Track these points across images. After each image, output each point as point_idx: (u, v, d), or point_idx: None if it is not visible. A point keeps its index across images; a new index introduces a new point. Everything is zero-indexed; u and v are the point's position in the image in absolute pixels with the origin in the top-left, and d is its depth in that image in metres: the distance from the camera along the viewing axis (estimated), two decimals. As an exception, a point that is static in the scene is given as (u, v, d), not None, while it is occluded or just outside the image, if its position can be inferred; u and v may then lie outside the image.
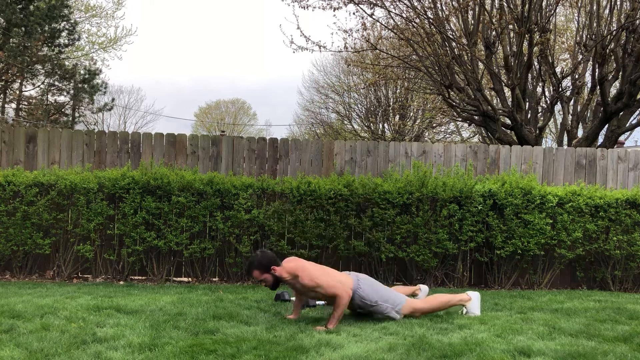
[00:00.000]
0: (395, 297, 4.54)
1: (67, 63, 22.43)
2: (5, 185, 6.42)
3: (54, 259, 6.59)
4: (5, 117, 21.90)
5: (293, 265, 4.39)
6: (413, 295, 4.99)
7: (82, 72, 22.76)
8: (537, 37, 10.28)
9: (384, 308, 4.46)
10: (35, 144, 7.16)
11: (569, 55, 13.62)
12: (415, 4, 10.57)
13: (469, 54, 10.16)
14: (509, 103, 10.82)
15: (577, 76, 11.72)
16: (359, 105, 24.82)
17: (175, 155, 7.28)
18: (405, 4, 10.80)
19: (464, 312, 4.76)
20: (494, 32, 10.41)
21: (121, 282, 6.51)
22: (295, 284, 4.37)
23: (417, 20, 10.52)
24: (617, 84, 10.82)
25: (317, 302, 5.10)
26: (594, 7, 10.25)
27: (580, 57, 11.13)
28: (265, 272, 4.34)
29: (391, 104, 23.13)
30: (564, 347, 3.71)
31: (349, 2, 10.60)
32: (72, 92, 22.86)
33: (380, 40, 13.20)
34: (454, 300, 4.74)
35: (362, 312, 4.60)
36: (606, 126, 10.84)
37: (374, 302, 4.45)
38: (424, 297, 4.94)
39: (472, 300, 4.78)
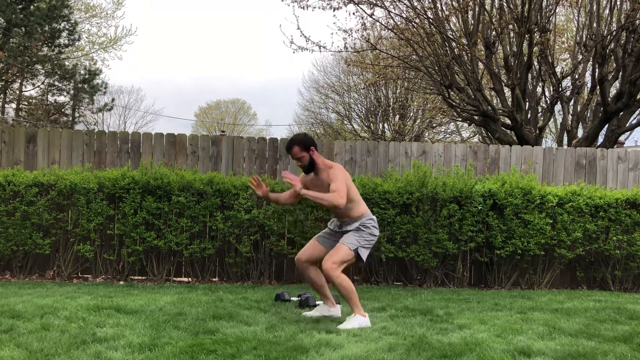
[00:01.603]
0: (366, 253, 4.51)
1: (67, 63, 22.44)
2: (5, 185, 6.42)
3: (54, 259, 6.59)
4: (5, 117, 21.91)
5: (333, 162, 4.62)
6: (326, 304, 4.70)
7: (82, 72, 22.77)
8: (537, 37, 10.28)
9: (360, 239, 4.45)
10: (35, 144, 7.16)
11: (569, 55, 13.62)
12: (415, 4, 10.57)
13: (469, 54, 10.16)
14: (509, 103, 10.82)
15: (577, 76, 11.72)
16: (359, 105, 24.82)
17: (176, 155, 7.28)
18: (405, 4, 10.80)
19: (346, 320, 4.34)
20: (494, 32, 10.41)
21: (121, 282, 6.51)
22: (322, 173, 4.49)
23: (417, 20, 10.52)
24: (617, 84, 10.81)
25: (317, 302, 5.10)
26: (594, 7, 10.24)
27: (580, 57, 11.13)
28: (304, 151, 4.47)
29: (391, 104, 23.13)
30: (564, 347, 3.71)
31: (349, 2, 10.60)
32: (72, 92, 22.87)
33: (380, 40, 13.20)
34: (354, 298, 4.38)
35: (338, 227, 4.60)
36: (606, 126, 10.84)
37: (366, 228, 4.48)
38: (323, 311, 4.68)
39: (365, 320, 4.34)
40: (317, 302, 5.12)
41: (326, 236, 4.68)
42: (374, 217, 4.63)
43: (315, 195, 4.36)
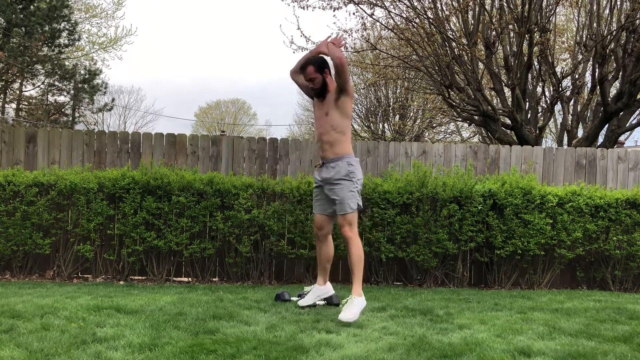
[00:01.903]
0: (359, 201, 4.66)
1: (67, 63, 22.46)
2: (5, 185, 6.42)
3: (54, 259, 6.59)
4: (5, 117, 21.91)
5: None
6: (317, 282, 4.92)
7: (82, 72, 22.79)
8: (537, 37, 10.29)
9: (352, 193, 4.57)
10: (35, 144, 7.16)
11: (569, 55, 13.62)
12: (415, 4, 10.58)
13: (469, 54, 10.16)
14: (509, 103, 10.83)
15: (577, 76, 11.73)
16: (359, 105, 24.81)
17: (175, 155, 7.28)
18: (405, 4, 10.81)
19: (343, 301, 4.46)
20: (494, 32, 10.41)
21: (121, 282, 6.51)
22: (329, 97, 4.59)
23: (417, 20, 10.52)
24: (617, 84, 10.81)
25: (318, 302, 5.10)
26: (594, 7, 10.25)
27: (580, 57, 11.14)
28: (318, 72, 4.56)
29: (391, 104, 23.14)
30: (564, 347, 3.71)
31: (349, 2, 10.61)
32: (72, 92, 22.88)
33: (380, 40, 13.21)
34: (360, 273, 4.53)
35: (325, 184, 4.67)
36: (606, 126, 10.85)
37: (353, 177, 4.59)
38: (327, 292, 4.90)
39: (362, 301, 4.42)
40: (318, 302, 5.13)
41: (320, 200, 4.79)
42: (356, 158, 4.75)
43: (338, 54, 4.46)
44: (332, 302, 5.05)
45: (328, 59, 4.67)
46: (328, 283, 5.01)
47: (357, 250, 4.54)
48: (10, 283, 6.18)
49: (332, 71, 4.65)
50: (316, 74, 4.57)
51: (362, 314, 4.72)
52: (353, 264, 4.54)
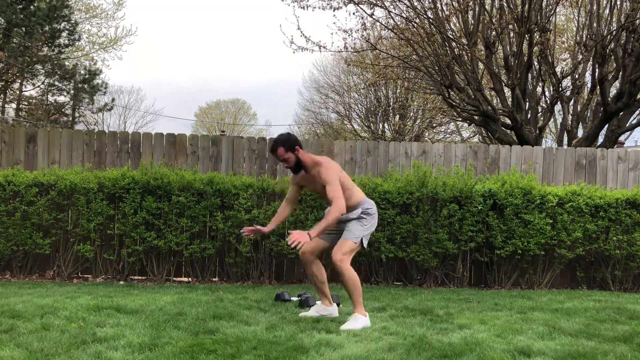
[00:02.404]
0: (368, 237, 4.55)
1: (67, 63, 22.46)
2: (5, 185, 6.42)
3: (54, 259, 6.59)
4: (5, 117, 21.91)
5: (319, 157, 4.51)
6: (323, 303, 4.73)
7: (82, 72, 22.78)
8: (537, 37, 10.28)
9: (361, 229, 4.45)
10: (35, 144, 7.16)
11: (569, 55, 13.62)
12: (415, 4, 10.58)
13: (469, 54, 10.16)
14: (509, 103, 10.82)
15: (577, 76, 11.73)
16: (359, 105, 24.84)
17: (176, 155, 7.28)
18: (405, 4, 10.81)
19: (349, 319, 4.36)
20: (494, 32, 10.41)
21: (121, 282, 6.51)
22: (312, 171, 4.42)
23: (417, 20, 10.52)
24: (617, 84, 10.81)
25: (317, 302, 5.10)
26: (594, 7, 10.25)
27: (580, 57, 11.13)
28: (289, 151, 4.38)
29: (391, 104, 23.14)
30: (564, 347, 3.71)
31: (349, 2, 10.60)
32: (72, 92, 22.88)
33: (380, 40, 13.20)
34: (359, 297, 4.39)
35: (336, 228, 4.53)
36: (606, 126, 10.84)
37: (365, 220, 4.47)
38: (328, 310, 4.71)
39: (366, 320, 4.35)
40: (317, 302, 5.12)
41: (333, 234, 4.64)
42: (371, 201, 4.65)
43: (325, 225, 4.20)
44: (309, 304, 5.03)
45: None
46: (334, 305, 4.76)
47: (352, 276, 4.36)
48: (10, 283, 6.18)
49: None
50: (287, 154, 4.37)
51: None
52: (350, 292, 4.39)
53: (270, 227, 4.71)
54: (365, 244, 4.53)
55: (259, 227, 4.65)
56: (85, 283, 6.38)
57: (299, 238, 4.02)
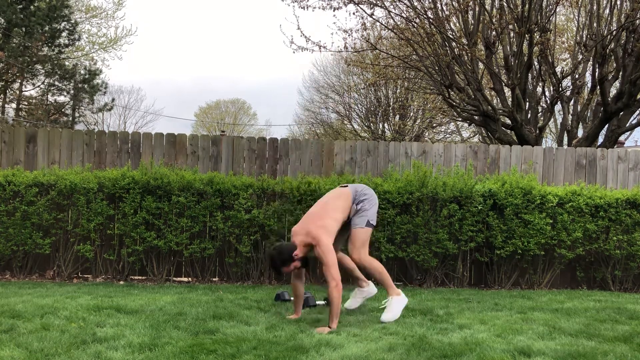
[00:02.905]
0: (373, 216, 4.66)
1: (67, 63, 22.45)
2: (5, 185, 6.42)
3: (54, 259, 6.59)
4: (5, 117, 21.91)
5: (303, 238, 4.44)
6: (359, 285, 4.99)
7: (82, 72, 22.78)
8: (537, 37, 10.28)
9: (362, 220, 4.59)
10: (35, 144, 7.16)
11: (569, 55, 13.62)
12: (415, 4, 10.57)
13: (469, 54, 10.16)
14: (509, 103, 10.82)
15: (577, 76, 11.72)
16: (359, 105, 24.83)
17: (176, 155, 7.28)
18: (405, 4, 10.80)
19: (384, 303, 4.69)
20: (494, 32, 10.41)
21: (121, 282, 6.51)
22: (312, 252, 4.46)
23: (417, 20, 10.52)
24: (617, 84, 10.81)
25: (318, 302, 5.11)
26: (594, 7, 10.25)
27: (580, 57, 11.13)
28: (291, 263, 4.41)
29: (391, 104, 23.14)
30: (564, 347, 3.71)
31: (349, 2, 10.60)
32: (72, 92, 22.88)
33: (380, 40, 13.20)
34: (388, 280, 4.67)
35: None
36: (606, 126, 10.84)
37: (361, 208, 4.60)
38: (366, 295, 4.99)
39: (401, 298, 4.67)
40: (318, 302, 5.13)
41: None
42: (362, 185, 4.79)
43: (336, 310, 4.25)
44: (309, 304, 5.05)
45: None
46: (369, 283, 5.05)
47: (375, 266, 4.66)
48: (10, 283, 6.18)
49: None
50: (291, 266, 4.42)
51: (364, 314, 4.74)
52: (379, 279, 4.68)
53: (299, 313, 4.68)
54: (373, 222, 4.67)
55: (293, 317, 4.61)
56: (85, 283, 6.38)
57: (322, 332, 4.10)
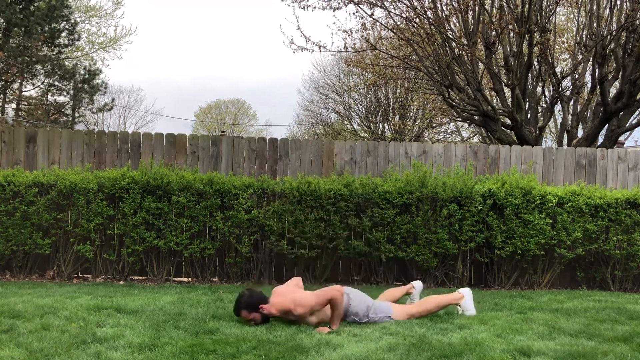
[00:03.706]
0: (386, 308, 4.55)
1: (67, 63, 22.45)
2: (5, 185, 6.42)
3: (54, 259, 6.59)
4: (5, 117, 21.90)
5: (281, 300, 4.24)
6: (408, 293, 5.01)
7: (82, 72, 22.78)
8: (537, 37, 10.28)
9: (377, 319, 4.45)
10: (35, 144, 7.16)
11: (569, 55, 13.62)
12: (415, 4, 10.57)
13: (469, 54, 10.16)
14: (509, 103, 10.82)
15: (577, 76, 11.73)
16: (359, 105, 24.83)
17: (175, 155, 7.28)
18: (405, 4, 10.80)
19: (459, 311, 4.78)
20: (494, 32, 10.41)
21: (121, 282, 6.51)
22: (289, 316, 4.23)
23: (417, 21, 10.52)
24: (617, 84, 10.81)
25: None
26: (594, 7, 10.25)
27: (580, 57, 11.14)
28: (253, 312, 4.22)
29: (391, 104, 23.14)
30: (564, 347, 3.71)
31: (349, 2, 10.61)
32: (72, 92, 22.87)
33: (380, 40, 13.20)
34: (447, 300, 4.76)
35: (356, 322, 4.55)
36: (606, 126, 10.84)
37: (367, 318, 4.43)
38: (419, 292, 5.02)
39: (465, 297, 4.81)
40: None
41: None
42: (351, 296, 4.45)
43: (337, 315, 4.19)
44: None
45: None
46: (412, 283, 5.10)
47: (428, 308, 4.69)
48: (10, 283, 6.18)
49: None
50: (252, 315, 4.21)
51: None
52: (440, 307, 4.75)
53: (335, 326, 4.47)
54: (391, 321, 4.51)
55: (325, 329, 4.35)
56: (85, 283, 6.38)
57: (323, 331, 4.06)
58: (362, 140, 18.47)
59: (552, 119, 16.33)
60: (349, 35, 11.91)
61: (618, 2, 10.11)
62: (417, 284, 5.06)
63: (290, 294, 4.32)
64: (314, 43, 10.89)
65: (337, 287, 4.29)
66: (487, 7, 10.42)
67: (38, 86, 22.61)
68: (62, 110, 23.74)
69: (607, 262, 6.83)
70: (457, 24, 11.37)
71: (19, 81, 21.78)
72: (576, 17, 12.10)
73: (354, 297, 4.46)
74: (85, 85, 22.69)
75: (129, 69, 53.62)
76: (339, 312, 4.21)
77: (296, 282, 4.61)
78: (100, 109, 25.27)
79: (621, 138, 15.55)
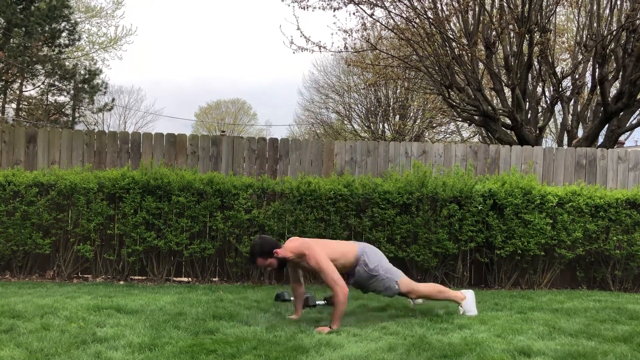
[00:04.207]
0: (395, 271, 4.61)
1: (67, 63, 22.45)
2: (5, 185, 6.42)
3: (54, 259, 6.59)
4: (5, 117, 21.90)
5: (298, 244, 4.37)
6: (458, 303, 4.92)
7: (82, 72, 22.77)
8: (537, 37, 10.28)
9: (385, 280, 4.48)
10: (35, 144, 7.16)
11: (569, 55, 13.62)
12: (415, 4, 10.57)
13: (469, 54, 10.16)
14: (509, 103, 10.82)
15: (577, 76, 11.72)
16: (359, 105, 24.82)
17: (176, 155, 7.28)
18: (405, 4, 10.80)
19: (461, 311, 4.78)
20: (494, 32, 10.41)
21: (121, 282, 6.51)
22: (301, 262, 4.35)
23: (417, 21, 10.52)
24: (617, 84, 10.81)
25: (318, 302, 5.10)
26: (594, 7, 10.25)
27: (580, 57, 11.14)
28: (268, 258, 4.31)
29: (391, 104, 23.14)
30: (564, 347, 3.71)
31: (349, 2, 10.61)
32: (72, 92, 22.87)
33: (380, 41, 13.20)
34: (449, 295, 4.78)
35: (361, 287, 4.60)
36: (606, 126, 10.84)
37: (376, 272, 4.45)
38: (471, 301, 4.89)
39: (467, 299, 4.81)
40: (318, 302, 5.12)
41: None
42: (363, 249, 4.57)
43: (338, 314, 4.21)
44: (309, 304, 5.05)
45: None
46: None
47: (424, 291, 4.70)
48: (10, 283, 6.18)
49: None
50: (268, 261, 4.33)
51: (364, 313, 4.74)
52: (437, 298, 4.79)
53: (299, 313, 4.67)
54: (395, 287, 4.56)
55: (293, 317, 4.58)
56: (85, 283, 6.38)
57: (322, 331, 4.08)
58: (362, 140, 18.47)
59: (552, 119, 16.33)
60: (349, 35, 11.94)
61: (618, 2, 10.11)
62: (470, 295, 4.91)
63: (307, 241, 4.41)
64: (314, 43, 10.89)
65: (345, 288, 4.23)
66: (487, 7, 10.41)
67: (38, 86, 22.61)
68: (62, 110, 23.74)
69: (607, 262, 6.83)
70: (457, 24, 11.37)
71: (19, 81, 21.79)
72: (576, 17, 12.10)
73: (369, 252, 4.56)
74: (86, 85, 22.69)
75: (130, 69, 53.63)
76: (339, 311, 4.22)
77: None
78: (101, 109, 25.27)
79: (621, 138, 15.54)
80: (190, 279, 6.76)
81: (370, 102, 23.86)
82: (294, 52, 16.99)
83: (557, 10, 11.83)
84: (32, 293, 5.37)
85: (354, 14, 13.81)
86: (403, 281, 4.59)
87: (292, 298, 5.28)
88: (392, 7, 10.96)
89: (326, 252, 4.34)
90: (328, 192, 6.55)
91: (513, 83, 10.19)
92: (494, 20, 10.13)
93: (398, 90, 22.06)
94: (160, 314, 4.48)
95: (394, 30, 11.18)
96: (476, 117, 11.33)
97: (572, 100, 11.84)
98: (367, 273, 4.48)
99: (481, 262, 6.84)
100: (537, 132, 10.98)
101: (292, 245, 4.36)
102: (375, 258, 4.55)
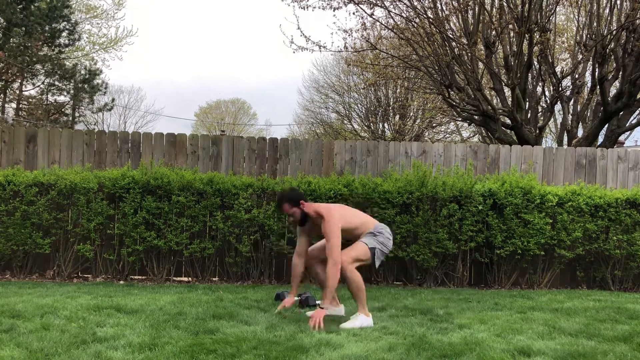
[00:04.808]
0: (382, 253, 4.60)
1: (67, 63, 22.43)
2: (5, 185, 6.42)
3: (54, 259, 6.59)
4: (5, 117, 21.90)
5: (322, 205, 4.61)
6: (335, 302, 4.79)
7: (82, 72, 22.75)
8: (537, 36, 10.28)
9: (375, 243, 4.53)
10: (35, 144, 7.16)
11: (569, 55, 13.62)
12: (415, 3, 10.57)
13: (469, 54, 10.16)
14: (509, 103, 10.82)
15: (577, 76, 11.73)
16: (359, 105, 24.81)
17: (176, 155, 7.29)
18: (405, 3, 10.80)
19: (345, 323, 4.36)
20: (494, 32, 10.41)
21: (121, 282, 6.51)
22: (316, 222, 4.53)
23: (417, 20, 10.52)
24: (617, 83, 10.81)
25: (317, 302, 5.10)
26: (594, 7, 10.25)
27: (580, 56, 11.14)
28: (294, 206, 4.55)
29: (391, 103, 23.13)
30: (564, 347, 3.71)
31: (349, 2, 10.60)
32: (72, 92, 22.85)
33: (380, 40, 13.20)
34: (363, 299, 4.42)
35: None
36: (606, 126, 10.84)
37: (378, 233, 4.56)
38: (338, 312, 4.76)
39: (368, 320, 4.37)
40: (317, 302, 5.13)
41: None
42: (384, 225, 4.72)
43: (331, 288, 4.30)
44: (309, 304, 5.05)
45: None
46: (341, 305, 4.84)
47: (355, 278, 4.41)
48: (10, 283, 6.18)
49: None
50: (293, 209, 4.57)
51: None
52: (354, 293, 4.46)
53: (293, 297, 4.75)
54: (376, 263, 4.58)
55: (285, 306, 4.66)
56: (85, 283, 6.39)
57: (318, 317, 4.15)
58: (362, 140, 18.47)
59: (552, 119, 16.33)
60: (349, 35, 11.93)
61: (618, 2, 10.11)
62: (340, 310, 4.75)
63: (331, 207, 4.55)
64: (314, 43, 10.89)
65: (339, 264, 4.28)
66: (487, 7, 10.42)
67: (38, 86, 22.61)
68: (62, 110, 23.73)
69: (607, 262, 6.83)
70: (457, 24, 11.38)
71: (19, 81, 21.78)
72: (576, 17, 12.10)
73: (385, 231, 4.65)
74: (86, 85, 22.67)
75: (129, 69, 53.61)
76: (331, 288, 4.29)
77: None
78: (101, 109, 25.25)
79: (621, 138, 15.53)
80: (190, 278, 6.76)
81: (370, 101, 23.86)
82: (294, 52, 17.01)
83: (557, 9, 11.84)
84: (32, 293, 5.37)
85: (353, 13, 13.81)
86: (367, 253, 4.50)
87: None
88: (392, 6, 10.96)
89: (346, 220, 4.51)
90: (328, 192, 6.56)
91: (513, 83, 10.19)
92: (493, 19, 10.14)
93: (398, 90, 22.05)
94: (160, 313, 4.48)
95: (394, 30, 11.17)
96: (476, 117, 11.33)
97: (572, 100, 11.84)
98: (373, 234, 4.57)
99: (481, 261, 6.84)
100: (537, 131, 10.98)
101: (317, 204, 4.63)
102: (385, 235, 4.63)
